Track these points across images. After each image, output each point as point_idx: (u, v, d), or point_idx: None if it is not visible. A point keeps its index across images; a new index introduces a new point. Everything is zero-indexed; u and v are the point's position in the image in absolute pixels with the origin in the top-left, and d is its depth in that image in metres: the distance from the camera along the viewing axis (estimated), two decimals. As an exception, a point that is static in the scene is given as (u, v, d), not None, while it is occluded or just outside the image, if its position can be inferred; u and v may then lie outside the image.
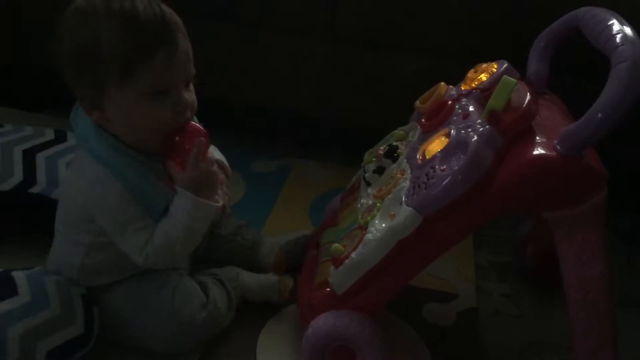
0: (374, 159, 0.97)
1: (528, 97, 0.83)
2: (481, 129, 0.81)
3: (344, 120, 1.37)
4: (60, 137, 1.11)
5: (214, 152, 0.94)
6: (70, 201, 0.87)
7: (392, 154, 0.95)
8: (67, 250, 0.88)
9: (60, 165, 1.04)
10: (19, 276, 0.84)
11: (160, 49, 0.77)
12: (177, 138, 0.81)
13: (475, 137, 0.80)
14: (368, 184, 0.95)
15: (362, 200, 0.94)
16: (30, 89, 1.43)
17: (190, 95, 0.83)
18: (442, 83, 0.96)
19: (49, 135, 1.11)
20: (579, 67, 1.10)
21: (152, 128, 0.81)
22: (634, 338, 1.03)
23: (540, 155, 0.77)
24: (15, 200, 1.01)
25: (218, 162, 0.92)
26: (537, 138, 0.80)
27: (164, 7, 0.80)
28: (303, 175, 1.35)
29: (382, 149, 0.97)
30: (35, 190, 1.00)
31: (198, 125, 0.84)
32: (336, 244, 0.88)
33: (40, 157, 1.05)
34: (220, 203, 0.84)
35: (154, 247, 0.82)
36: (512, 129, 0.81)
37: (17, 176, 1.01)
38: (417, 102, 0.97)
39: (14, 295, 0.81)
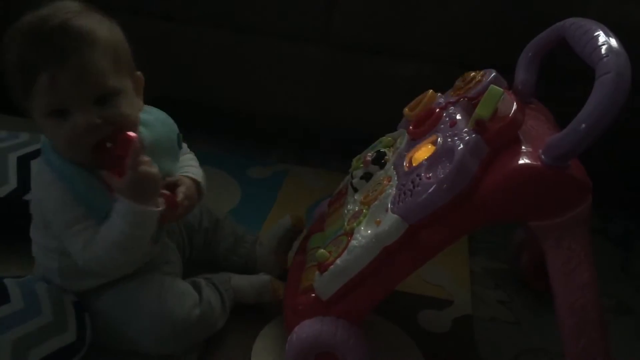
0: (361, 165, 0.97)
1: (515, 106, 0.83)
2: (467, 137, 0.81)
3: (340, 126, 1.38)
4: (56, 144, 1.11)
5: (193, 170, 0.94)
6: (33, 208, 0.88)
7: (379, 160, 0.95)
8: (43, 256, 0.89)
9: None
10: (10, 283, 0.84)
11: (43, 72, 0.75)
12: (109, 147, 0.79)
13: (462, 146, 0.80)
14: (355, 189, 0.96)
15: (348, 206, 0.94)
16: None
17: (105, 111, 0.78)
18: (431, 90, 0.97)
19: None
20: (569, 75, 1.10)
21: (68, 145, 0.79)
22: (629, 344, 1.03)
23: (524, 164, 0.77)
24: (9, 206, 1.01)
25: (191, 180, 0.91)
26: (523, 147, 0.80)
27: (69, 18, 0.76)
28: (299, 181, 1.35)
29: (369, 155, 0.97)
30: (29, 197, 0.99)
31: (128, 133, 0.79)
32: (322, 250, 0.88)
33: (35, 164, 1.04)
34: (161, 207, 0.81)
35: (93, 249, 0.80)
36: (498, 138, 0.81)
37: (12, 183, 1.02)
38: (406, 109, 0.97)
39: (6, 303, 0.81)
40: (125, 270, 0.87)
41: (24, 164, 1.05)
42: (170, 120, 0.93)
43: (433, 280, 1.12)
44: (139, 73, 0.85)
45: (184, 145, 0.97)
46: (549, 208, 0.79)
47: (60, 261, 0.87)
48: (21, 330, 0.79)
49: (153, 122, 0.89)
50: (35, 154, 1.06)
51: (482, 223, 0.83)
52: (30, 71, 0.75)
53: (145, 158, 0.79)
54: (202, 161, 1.32)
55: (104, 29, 0.79)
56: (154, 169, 0.79)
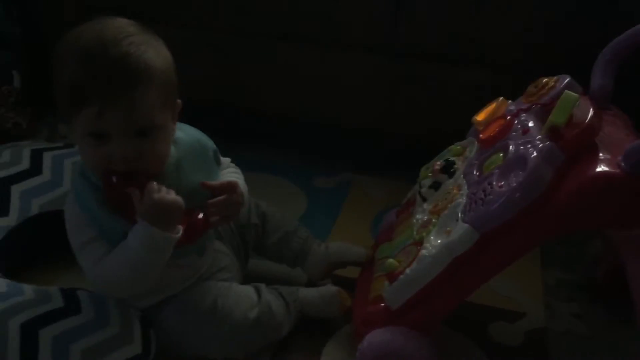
0: (430, 174, 0.97)
1: (591, 112, 0.81)
2: (541, 145, 0.79)
3: (406, 135, 1.37)
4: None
5: (235, 176, 0.94)
6: None
7: (448, 169, 0.94)
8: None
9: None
10: (83, 295, 0.86)
11: (93, 104, 0.75)
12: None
13: (535, 153, 0.79)
14: (424, 199, 0.95)
15: (417, 216, 0.93)
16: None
17: (142, 145, 0.79)
18: (501, 98, 0.95)
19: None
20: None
21: (97, 167, 0.80)
22: None
23: (603, 172, 0.75)
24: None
25: (230, 184, 0.90)
26: (600, 154, 0.78)
27: (130, 49, 0.76)
28: (365, 191, 1.35)
29: (438, 164, 0.96)
30: None
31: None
32: (391, 259, 0.87)
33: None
34: (179, 235, 0.80)
35: (103, 266, 0.81)
36: (574, 145, 0.79)
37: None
38: (475, 117, 0.96)
39: (78, 314, 0.83)
40: (130, 292, 0.86)
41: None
42: (204, 138, 0.93)
43: (505, 292, 1.09)
44: (179, 101, 0.85)
45: (227, 160, 0.98)
46: (628, 217, 0.76)
47: None
48: (90, 340, 0.81)
49: (182, 139, 0.89)
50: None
51: (557, 233, 0.81)
52: (80, 97, 0.76)
53: (163, 187, 0.79)
54: (268, 171, 1.36)
55: (160, 59, 0.79)
56: (171, 197, 0.79)
